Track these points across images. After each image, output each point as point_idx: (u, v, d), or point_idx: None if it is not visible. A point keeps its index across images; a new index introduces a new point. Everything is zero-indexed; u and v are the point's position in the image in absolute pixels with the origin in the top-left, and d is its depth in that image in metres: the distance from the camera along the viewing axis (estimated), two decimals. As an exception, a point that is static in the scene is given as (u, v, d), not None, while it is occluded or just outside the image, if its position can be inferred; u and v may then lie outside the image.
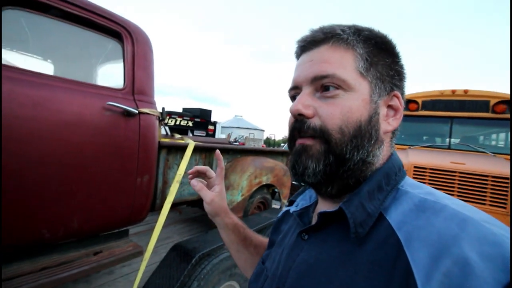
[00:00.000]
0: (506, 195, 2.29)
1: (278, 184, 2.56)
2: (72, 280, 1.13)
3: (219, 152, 0.67)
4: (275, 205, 2.90)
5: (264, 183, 2.35)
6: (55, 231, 1.13)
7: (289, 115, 0.45)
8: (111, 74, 1.44)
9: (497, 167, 2.48)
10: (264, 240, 0.68)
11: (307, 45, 0.45)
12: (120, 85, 1.38)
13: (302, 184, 0.44)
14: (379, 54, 0.43)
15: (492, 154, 2.97)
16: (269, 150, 2.70)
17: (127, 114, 1.33)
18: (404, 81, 0.45)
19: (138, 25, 1.47)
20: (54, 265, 1.14)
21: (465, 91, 3.29)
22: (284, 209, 0.62)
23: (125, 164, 1.33)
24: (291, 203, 0.58)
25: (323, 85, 0.41)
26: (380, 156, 0.43)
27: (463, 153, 3.06)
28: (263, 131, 29.68)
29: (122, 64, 1.39)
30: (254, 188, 2.23)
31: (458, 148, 3.28)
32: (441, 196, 0.37)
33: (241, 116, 30.24)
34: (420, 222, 0.34)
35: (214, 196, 0.65)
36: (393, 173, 0.42)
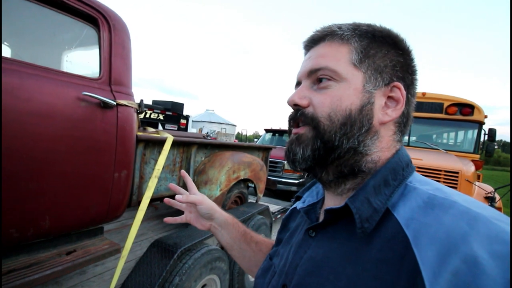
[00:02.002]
0: (456, 187, 2.59)
1: (254, 179, 2.60)
2: (44, 282, 1.05)
3: (184, 172, 0.74)
4: (251, 199, 2.94)
5: (242, 178, 2.37)
6: (24, 231, 1.04)
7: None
8: (85, 62, 1.34)
9: (448, 162, 2.78)
10: (264, 238, 0.70)
11: (308, 44, 0.49)
12: (95, 75, 1.30)
13: (294, 169, 0.47)
14: (377, 46, 0.44)
15: (444, 151, 3.32)
16: (247, 145, 2.72)
17: (104, 105, 1.26)
18: (412, 75, 0.45)
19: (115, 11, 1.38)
20: (22, 267, 1.05)
21: (423, 94, 3.61)
22: (292, 206, 0.63)
23: (101, 159, 1.26)
24: (297, 198, 0.59)
25: (318, 77, 0.44)
26: (374, 146, 0.43)
27: (420, 149, 3.37)
28: (235, 126, 29.54)
29: (97, 52, 1.30)
30: (232, 183, 2.24)
31: (415, 145, 3.60)
32: (450, 192, 0.36)
33: (213, 111, 29.71)
34: (428, 219, 0.33)
35: (201, 196, 0.69)
36: (400, 168, 0.42)
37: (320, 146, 0.42)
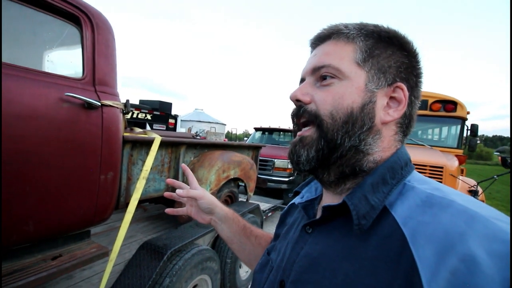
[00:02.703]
0: (440, 182, 2.67)
1: (245, 178, 2.60)
2: (28, 288, 1.03)
3: (185, 166, 0.74)
4: (241, 198, 2.94)
5: (232, 177, 2.37)
6: (6, 236, 1.01)
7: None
8: (68, 62, 1.31)
9: (433, 158, 2.86)
10: (263, 232, 0.71)
11: (314, 41, 0.49)
12: (79, 75, 1.26)
13: (298, 171, 0.46)
14: (383, 47, 0.44)
15: (429, 147, 3.41)
16: (237, 144, 2.72)
17: (88, 106, 1.23)
18: (417, 77, 0.45)
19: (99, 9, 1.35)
20: (5, 274, 1.02)
21: (409, 91, 3.70)
22: (290, 202, 0.63)
23: (87, 161, 1.23)
24: (296, 193, 0.59)
25: (321, 75, 0.44)
26: (376, 146, 0.43)
27: (406, 146, 3.45)
28: (225, 125, 29.39)
29: (80, 52, 1.27)
30: (222, 182, 2.24)
31: (402, 142, 3.68)
32: (449, 191, 0.36)
33: (202, 110, 29.48)
34: (426, 218, 0.33)
35: (202, 191, 0.69)
36: (398, 166, 0.42)
37: (323, 146, 0.42)
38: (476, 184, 3.14)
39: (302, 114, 0.45)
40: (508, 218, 0.32)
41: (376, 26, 0.45)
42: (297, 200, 0.56)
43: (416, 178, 0.42)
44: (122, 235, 1.37)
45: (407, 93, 0.43)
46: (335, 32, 0.46)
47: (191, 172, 0.73)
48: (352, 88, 0.42)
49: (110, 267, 1.30)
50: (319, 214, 0.47)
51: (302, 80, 0.49)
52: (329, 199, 0.47)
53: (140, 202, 1.83)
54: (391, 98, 0.44)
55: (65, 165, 1.15)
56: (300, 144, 0.44)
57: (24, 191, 1.04)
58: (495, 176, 2.97)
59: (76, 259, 1.21)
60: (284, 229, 0.56)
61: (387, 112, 0.43)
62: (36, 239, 1.15)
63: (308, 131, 0.45)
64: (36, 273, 1.06)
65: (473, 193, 2.95)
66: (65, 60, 1.35)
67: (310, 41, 0.50)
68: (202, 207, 0.68)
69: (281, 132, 6.98)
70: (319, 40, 0.48)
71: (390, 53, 0.44)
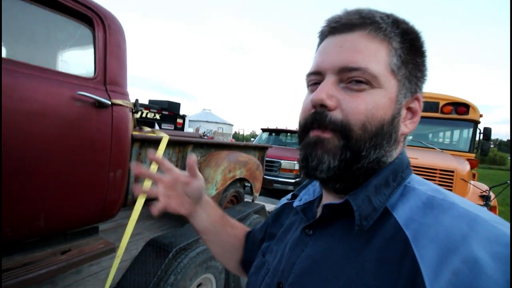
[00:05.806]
0: (451, 186, 2.61)
1: (251, 178, 2.60)
2: (38, 281, 1.06)
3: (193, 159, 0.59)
4: (247, 198, 2.94)
5: (238, 177, 2.38)
6: (18, 230, 1.04)
7: (306, 103, 0.42)
8: (80, 62, 1.34)
9: (443, 161, 2.80)
10: (239, 223, 0.69)
11: (340, 27, 0.40)
12: (90, 74, 1.30)
13: (308, 178, 0.44)
14: (412, 53, 0.40)
15: (440, 150, 3.34)
16: (243, 144, 2.73)
17: (99, 105, 1.26)
18: (424, 83, 0.43)
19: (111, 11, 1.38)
20: (17, 266, 1.05)
21: (419, 93, 3.63)
22: (283, 201, 0.62)
23: (96, 158, 1.26)
24: (293, 196, 0.57)
25: (351, 77, 0.38)
26: (394, 156, 0.42)
27: (416, 148, 3.39)
28: (232, 125, 29.52)
29: (92, 52, 1.30)
30: (228, 182, 2.25)
31: (411, 145, 3.62)
32: (448, 194, 0.37)
33: (210, 110, 29.72)
34: (428, 220, 0.33)
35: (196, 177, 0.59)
36: (400, 169, 0.41)
37: (348, 157, 0.38)
38: (488, 189, 3.06)
39: (328, 124, 0.38)
40: (508, 223, 0.32)
41: (407, 24, 0.40)
42: (295, 203, 0.53)
43: (415, 180, 0.42)
44: (129, 232, 1.39)
45: (422, 104, 0.42)
46: (371, 23, 0.38)
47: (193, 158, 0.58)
48: (385, 98, 0.38)
49: (117, 263, 1.32)
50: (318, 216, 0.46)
51: (317, 73, 0.41)
52: (331, 199, 0.45)
53: (148, 200, 1.85)
54: (408, 108, 0.42)
55: (75, 161, 1.18)
56: (322, 148, 0.38)
57: (35, 187, 1.07)
58: (508, 181, 2.89)
59: (84, 254, 1.24)
60: (280, 230, 0.54)
61: (405, 123, 0.42)
62: (47, 234, 1.18)
63: (328, 134, 0.38)
64: (47, 266, 1.09)
65: (485, 198, 2.88)
66: (77, 60, 1.39)
67: (331, 24, 0.41)
68: (193, 191, 0.57)
69: (288, 133, 6.96)
70: (346, 27, 0.39)
71: (417, 60, 0.40)
